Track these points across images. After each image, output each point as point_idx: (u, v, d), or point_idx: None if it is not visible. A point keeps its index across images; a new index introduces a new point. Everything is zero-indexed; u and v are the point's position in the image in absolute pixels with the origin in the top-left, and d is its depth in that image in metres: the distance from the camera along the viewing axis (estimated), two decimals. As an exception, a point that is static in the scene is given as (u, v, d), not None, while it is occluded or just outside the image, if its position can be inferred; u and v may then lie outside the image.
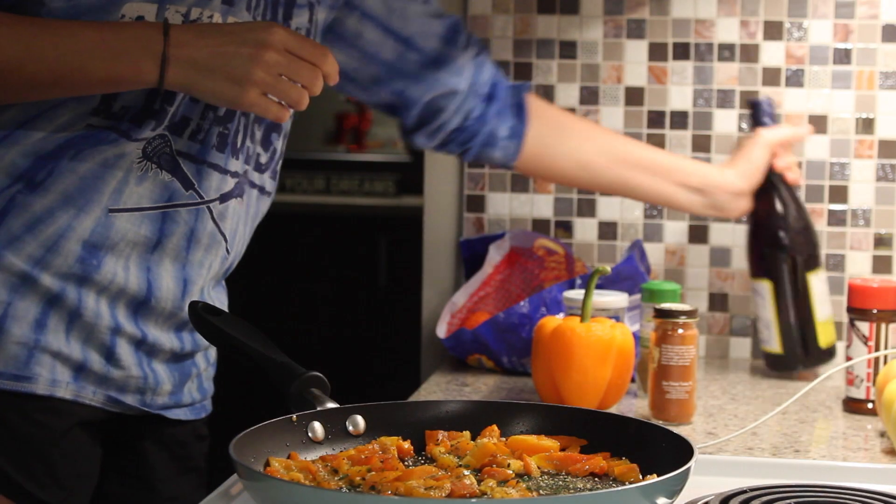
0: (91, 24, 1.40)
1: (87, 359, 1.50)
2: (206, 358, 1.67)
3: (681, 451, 1.19)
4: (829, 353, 2.02)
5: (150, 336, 1.54)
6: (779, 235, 1.99)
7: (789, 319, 2.00)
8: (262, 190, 1.62)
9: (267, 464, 1.22)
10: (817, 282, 2.02)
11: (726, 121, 2.21)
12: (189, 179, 1.51)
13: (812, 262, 2.01)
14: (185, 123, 1.49)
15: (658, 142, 2.22)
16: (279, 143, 1.63)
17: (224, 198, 1.55)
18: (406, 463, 1.28)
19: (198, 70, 1.38)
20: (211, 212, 1.54)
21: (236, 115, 1.53)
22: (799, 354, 2.01)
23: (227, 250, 1.59)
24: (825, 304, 2.02)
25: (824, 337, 2.01)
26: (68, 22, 1.39)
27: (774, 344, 2.02)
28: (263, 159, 1.60)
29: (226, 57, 1.38)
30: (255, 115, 1.56)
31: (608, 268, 1.72)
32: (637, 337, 1.87)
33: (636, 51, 2.22)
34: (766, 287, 2.01)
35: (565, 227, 2.25)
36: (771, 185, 1.99)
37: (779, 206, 1.99)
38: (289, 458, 1.25)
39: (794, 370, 2.02)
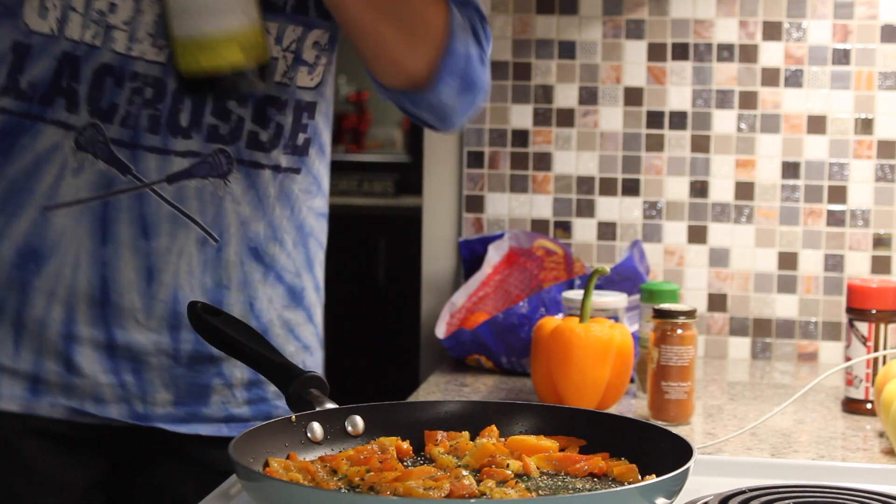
0: None
1: (41, 370, 1.46)
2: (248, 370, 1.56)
3: (680, 452, 1.19)
4: (201, 85, 1.41)
5: (121, 338, 1.48)
6: None
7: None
8: (276, 168, 1.54)
9: (266, 464, 1.22)
10: None
11: (725, 121, 2.21)
12: (125, 165, 1.46)
13: None
14: (114, 110, 1.45)
15: (657, 142, 2.22)
16: (278, 116, 1.53)
17: (173, 178, 1.48)
18: (405, 463, 1.28)
19: None
20: (159, 194, 1.47)
21: (166, 95, 1.47)
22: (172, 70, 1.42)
23: (209, 234, 1.50)
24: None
25: (192, 59, 1.38)
26: None
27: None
28: (264, 137, 1.52)
29: None
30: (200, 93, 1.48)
31: (607, 268, 1.72)
32: (636, 337, 1.87)
33: (635, 51, 2.22)
34: None
35: (564, 228, 2.25)
36: None
37: None
38: (288, 458, 1.25)
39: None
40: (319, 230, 1.62)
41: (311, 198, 1.59)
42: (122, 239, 1.47)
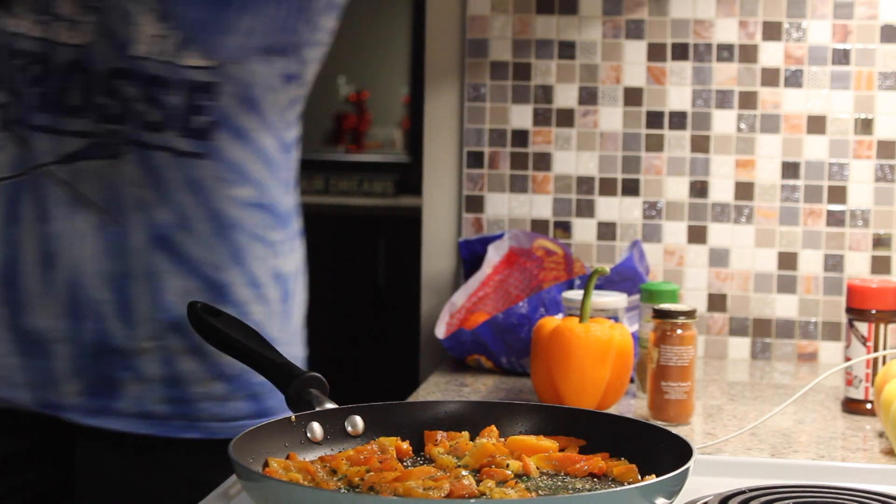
0: None
1: None
2: (171, 364, 1.49)
3: (680, 452, 1.19)
4: None
5: (28, 321, 1.47)
6: None
7: None
8: (173, 151, 1.47)
9: (266, 464, 1.22)
10: None
11: (725, 121, 2.21)
12: (28, 144, 1.45)
13: None
14: (15, 88, 1.44)
15: (657, 142, 2.22)
16: (166, 96, 1.46)
17: (68, 159, 1.45)
18: (405, 463, 1.28)
19: None
20: (54, 175, 1.45)
21: (52, 73, 1.44)
22: None
23: (110, 218, 1.46)
24: None
25: None
26: None
27: None
28: (155, 117, 1.45)
29: None
30: (90, 68, 1.45)
31: (607, 268, 1.72)
32: (636, 337, 1.87)
33: (635, 51, 2.22)
34: None
35: (564, 228, 2.25)
36: None
37: None
38: (287, 458, 1.25)
39: None
40: (251, 222, 1.52)
41: (230, 186, 1.50)
42: (26, 220, 1.46)
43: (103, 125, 1.45)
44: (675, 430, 1.27)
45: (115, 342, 1.48)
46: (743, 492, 1.24)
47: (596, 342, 1.70)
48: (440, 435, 1.31)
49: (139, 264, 1.47)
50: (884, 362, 1.76)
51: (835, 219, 2.19)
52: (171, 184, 1.47)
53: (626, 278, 1.99)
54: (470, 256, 2.21)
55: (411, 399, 1.79)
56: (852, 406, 1.79)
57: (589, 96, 2.23)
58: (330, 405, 1.32)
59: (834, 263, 2.19)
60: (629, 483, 1.22)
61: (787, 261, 2.21)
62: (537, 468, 1.25)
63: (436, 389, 1.90)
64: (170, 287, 1.48)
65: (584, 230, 2.25)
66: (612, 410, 1.74)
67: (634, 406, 1.82)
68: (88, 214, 1.46)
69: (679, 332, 1.69)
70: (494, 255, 2.16)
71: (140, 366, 1.49)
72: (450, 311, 2.12)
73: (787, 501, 1.22)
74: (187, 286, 1.49)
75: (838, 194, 2.19)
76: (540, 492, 1.19)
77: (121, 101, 1.45)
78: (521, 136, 2.26)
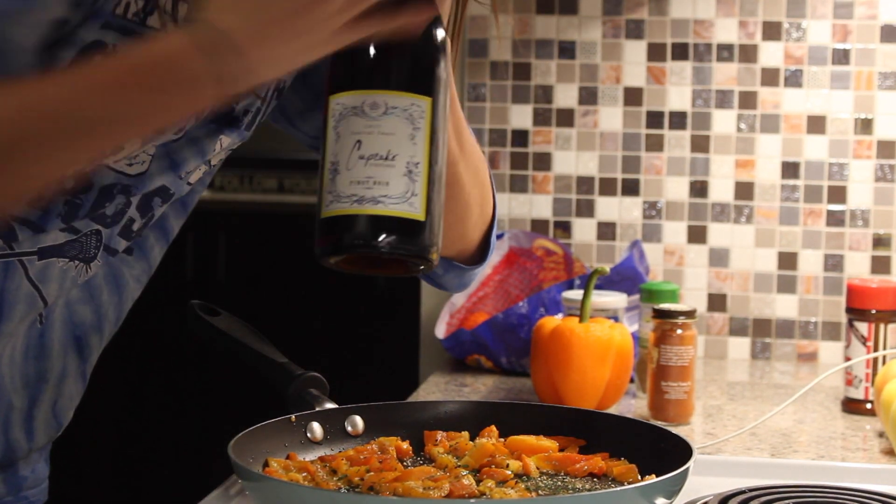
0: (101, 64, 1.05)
1: None
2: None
3: (679, 452, 1.19)
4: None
5: None
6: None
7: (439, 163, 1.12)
8: (111, 250, 1.28)
9: (266, 464, 1.22)
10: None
11: (725, 121, 2.21)
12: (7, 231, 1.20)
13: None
14: None
15: (657, 142, 2.22)
16: (159, 207, 1.28)
17: (44, 253, 1.22)
18: (405, 463, 1.28)
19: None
20: (25, 267, 1.21)
21: (87, 191, 1.22)
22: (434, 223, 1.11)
23: (41, 319, 1.27)
24: None
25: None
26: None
27: (416, 206, 1.09)
28: (137, 225, 1.28)
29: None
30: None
31: (607, 268, 1.72)
32: (636, 337, 1.87)
33: (635, 51, 2.22)
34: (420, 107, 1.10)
35: (564, 228, 2.25)
36: None
37: None
38: (287, 458, 1.25)
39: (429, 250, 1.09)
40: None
41: (140, 287, 1.33)
42: None
43: (93, 226, 1.24)
44: (675, 430, 1.27)
45: (18, 455, 1.32)
46: (743, 492, 1.24)
47: (596, 342, 1.70)
48: (440, 435, 1.31)
49: (55, 367, 1.30)
50: (884, 362, 1.76)
51: (835, 219, 2.19)
52: (100, 282, 1.30)
53: (626, 278, 1.99)
54: (470, 256, 2.20)
55: (411, 399, 1.79)
56: (852, 406, 1.79)
57: (589, 96, 2.24)
58: (330, 405, 1.32)
59: (834, 263, 2.19)
60: (629, 483, 1.22)
61: (787, 261, 2.21)
62: (537, 468, 1.25)
63: (436, 389, 1.90)
64: (66, 392, 1.33)
65: (584, 230, 2.25)
66: (612, 410, 1.74)
67: (634, 406, 1.82)
68: (34, 313, 1.25)
69: (679, 332, 1.69)
70: (494, 255, 2.16)
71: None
72: (450, 311, 2.12)
73: (787, 501, 1.22)
74: (78, 391, 1.35)
75: (838, 194, 2.19)
76: (540, 492, 1.19)
77: (121, 207, 1.27)
78: (521, 136, 2.26)
